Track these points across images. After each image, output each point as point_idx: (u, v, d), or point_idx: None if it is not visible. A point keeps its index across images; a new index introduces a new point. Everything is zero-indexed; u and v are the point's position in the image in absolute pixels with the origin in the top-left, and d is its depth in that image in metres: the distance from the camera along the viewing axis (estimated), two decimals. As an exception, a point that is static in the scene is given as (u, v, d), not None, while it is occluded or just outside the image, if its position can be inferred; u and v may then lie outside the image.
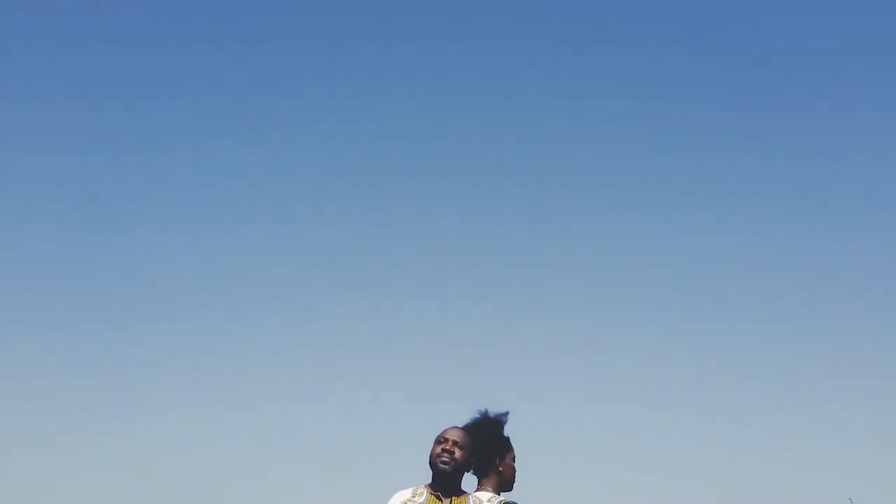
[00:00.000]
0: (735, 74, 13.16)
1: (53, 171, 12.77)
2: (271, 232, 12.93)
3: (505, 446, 3.36)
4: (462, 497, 3.17)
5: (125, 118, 12.98)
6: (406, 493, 3.18)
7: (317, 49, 13.27)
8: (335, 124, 13.29)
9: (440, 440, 3.18)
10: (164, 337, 12.05)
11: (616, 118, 13.24)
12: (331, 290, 12.62)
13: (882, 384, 11.14)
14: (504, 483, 3.34)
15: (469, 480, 3.28)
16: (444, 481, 3.15)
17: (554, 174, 13.20)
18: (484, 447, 3.29)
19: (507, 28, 13.40)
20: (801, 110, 13.04)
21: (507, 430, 3.40)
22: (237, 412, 11.38)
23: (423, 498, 3.14)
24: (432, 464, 3.16)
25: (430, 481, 3.18)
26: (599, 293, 12.54)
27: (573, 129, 13.25)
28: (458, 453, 3.14)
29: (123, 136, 12.97)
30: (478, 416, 3.38)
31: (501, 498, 3.29)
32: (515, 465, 3.39)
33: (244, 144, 13.12)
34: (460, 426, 3.28)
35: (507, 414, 3.40)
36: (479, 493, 3.27)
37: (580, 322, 12.30)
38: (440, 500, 3.14)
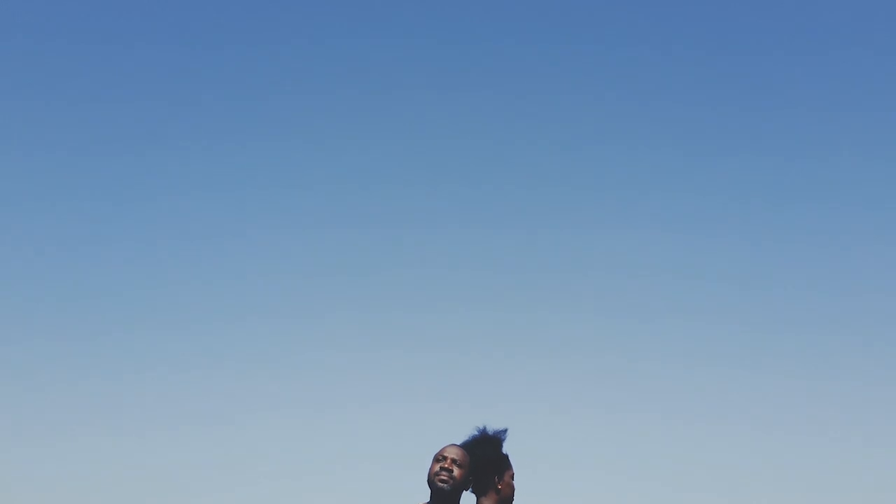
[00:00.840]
0: (740, 73, 13.13)
1: (53, 170, 12.77)
2: (272, 234, 12.92)
3: (504, 464, 3.32)
4: (460, 516, 3.14)
5: (126, 117, 12.97)
6: (404, 512, 3.15)
7: (318, 48, 13.26)
8: (338, 124, 13.28)
9: (438, 458, 3.16)
10: (165, 340, 12.05)
11: (620, 118, 13.21)
12: (332, 293, 12.60)
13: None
14: (503, 501, 3.31)
15: (468, 499, 3.25)
16: (443, 500, 3.12)
17: (556, 176, 13.17)
18: (483, 465, 3.26)
19: (508, 26, 13.39)
20: (806, 109, 12.99)
21: (506, 448, 3.37)
22: (235, 418, 11.37)
23: (422, 517, 3.13)
24: (430, 482, 3.13)
25: (428, 499, 3.15)
26: (602, 297, 12.51)
27: (576, 130, 13.22)
28: (456, 472, 3.12)
29: (124, 135, 12.97)
30: (476, 433, 3.35)
31: (500, 516, 3.26)
32: (514, 482, 3.35)
33: (246, 145, 13.11)
34: (458, 444, 3.25)
35: (506, 431, 3.37)
36: (477, 512, 3.24)
37: (584, 327, 12.27)
38: (438, 518, 3.11)
